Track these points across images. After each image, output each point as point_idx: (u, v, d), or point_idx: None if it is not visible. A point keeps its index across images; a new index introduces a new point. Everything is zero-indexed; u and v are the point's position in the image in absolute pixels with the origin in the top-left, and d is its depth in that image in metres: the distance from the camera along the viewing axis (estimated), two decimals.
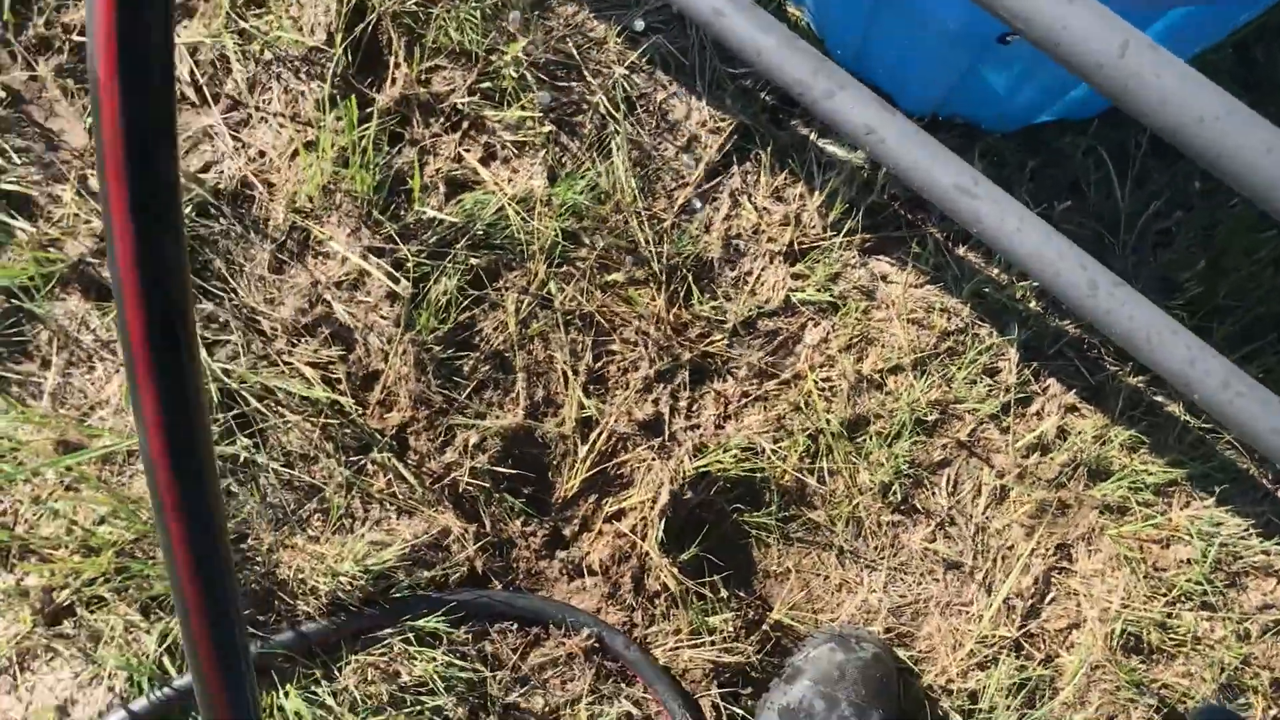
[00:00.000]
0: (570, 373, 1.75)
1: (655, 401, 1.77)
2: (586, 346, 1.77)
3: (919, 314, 1.81)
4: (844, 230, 1.81)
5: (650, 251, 1.77)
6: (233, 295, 1.69)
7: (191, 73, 1.75)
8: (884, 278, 1.83)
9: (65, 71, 1.71)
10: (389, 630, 1.62)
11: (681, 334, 1.78)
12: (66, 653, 1.61)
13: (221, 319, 1.68)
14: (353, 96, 1.69)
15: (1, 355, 1.65)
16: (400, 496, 1.69)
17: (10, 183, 1.65)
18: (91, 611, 1.61)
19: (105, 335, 1.68)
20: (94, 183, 1.69)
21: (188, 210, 1.69)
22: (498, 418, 1.73)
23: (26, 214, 1.67)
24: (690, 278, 1.79)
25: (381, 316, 1.71)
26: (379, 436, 1.69)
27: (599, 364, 1.78)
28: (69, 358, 1.67)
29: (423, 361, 1.71)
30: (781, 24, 1.49)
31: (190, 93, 1.75)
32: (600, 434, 1.74)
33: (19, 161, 1.67)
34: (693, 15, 1.51)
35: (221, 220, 1.70)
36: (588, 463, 1.74)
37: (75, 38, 1.72)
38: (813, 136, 1.84)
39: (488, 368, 1.74)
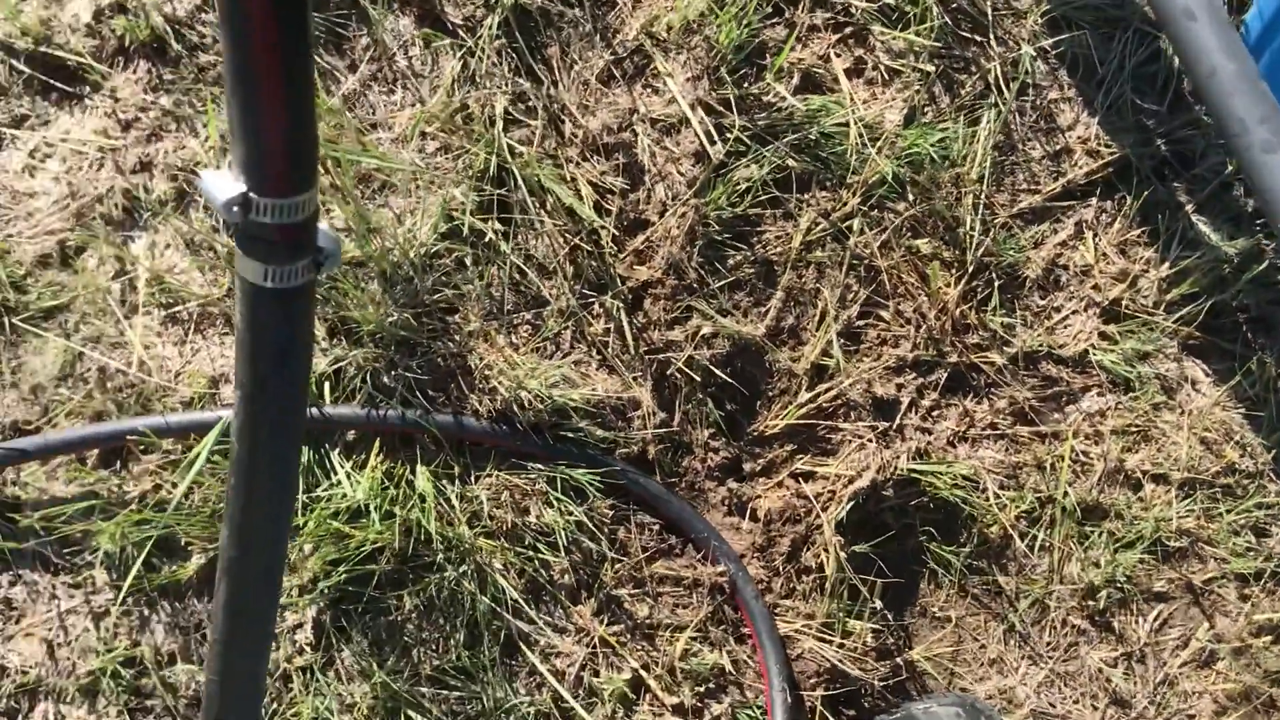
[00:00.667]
0: (830, 316, 1.62)
1: (900, 386, 1.62)
2: (858, 299, 1.63)
3: (1213, 436, 1.60)
4: (1177, 316, 1.62)
5: (969, 238, 1.61)
6: (552, 86, 1.62)
7: None
8: (1194, 383, 1.63)
9: None
10: (540, 466, 1.53)
11: (959, 334, 1.63)
12: None
13: (530, 102, 1.61)
14: None
15: (318, 39, 1.62)
16: (611, 349, 1.59)
17: None
18: None
19: (419, 67, 1.63)
20: None
21: None
22: (738, 323, 1.61)
23: None
24: (996, 284, 1.63)
25: (679, 171, 1.61)
26: (619, 283, 1.60)
27: (861, 321, 1.64)
28: (375, 71, 1.63)
29: (695, 233, 1.60)
30: (1250, 56, 1.31)
31: None
32: (829, 389, 1.61)
33: None
34: (1159, 10, 1.35)
35: (577, 10, 1.63)
36: (803, 410, 1.60)
37: None
38: (1189, 206, 1.65)
39: (752, 270, 1.63)
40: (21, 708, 1.51)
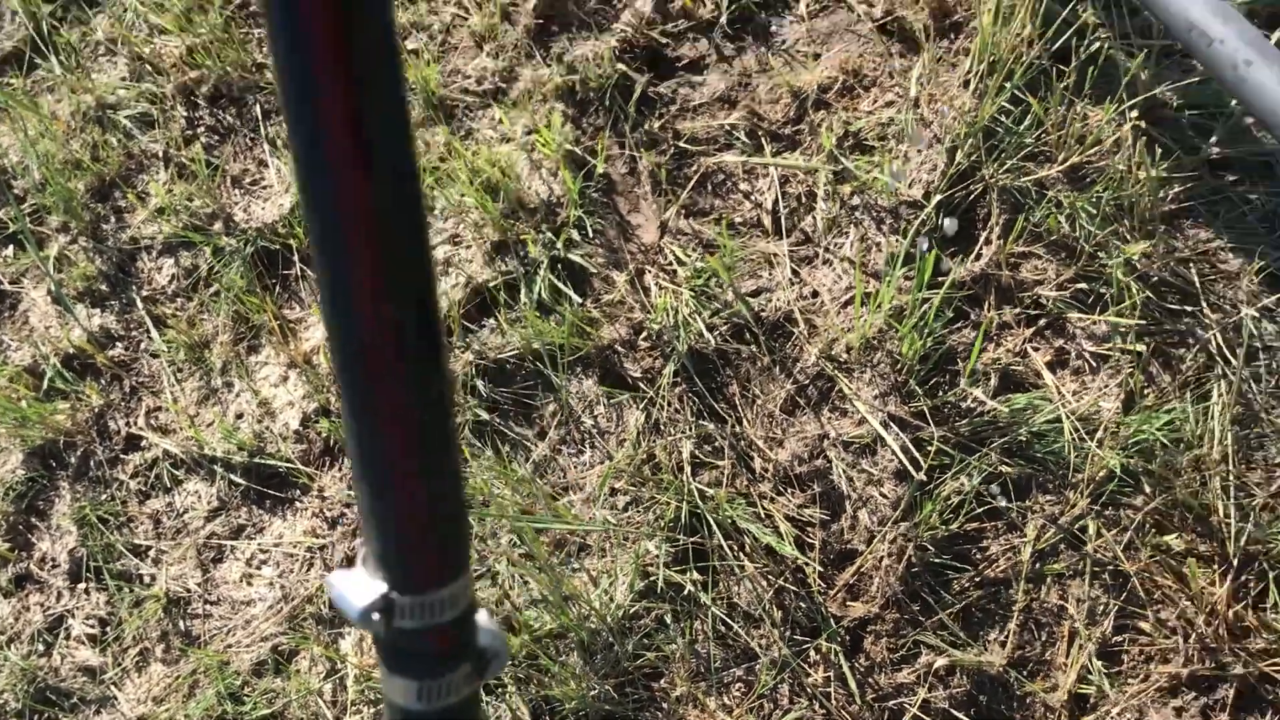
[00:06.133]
0: (1081, 634, 1.42)
1: (1180, 710, 1.38)
2: (1109, 611, 1.43)
3: None
4: None
5: (1226, 528, 1.41)
6: (736, 423, 1.57)
7: (776, 202, 1.70)
8: None
9: (661, 171, 1.72)
10: None
11: (1239, 640, 1.39)
12: None
13: (717, 442, 1.57)
14: (933, 254, 1.54)
15: (508, 413, 1.64)
16: (835, 700, 1.44)
17: (577, 255, 1.67)
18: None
19: (604, 424, 1.62)
20: (650, 279, 1.68)
21: (724, 329, 1.62)
22: (975, 653, 1.43)
23: (580, 288, 1.68)
24: (1271, 575, 1.40)
25: (881, 494, 1.50)
26: (833, 623, 1.47)
27: (1119, 637, 1.43)
28: (564, 434, 1.63)
29: (910, 559, 1.47)
30: None
31: (767, 220, 1.69)
32: None
33: (591, 240, 1.69)
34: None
35: (753, 347, 1.60)
36: None
37: (681, 145, 1.74)
38: None
39: (980, 593, 1.47)
40: None
